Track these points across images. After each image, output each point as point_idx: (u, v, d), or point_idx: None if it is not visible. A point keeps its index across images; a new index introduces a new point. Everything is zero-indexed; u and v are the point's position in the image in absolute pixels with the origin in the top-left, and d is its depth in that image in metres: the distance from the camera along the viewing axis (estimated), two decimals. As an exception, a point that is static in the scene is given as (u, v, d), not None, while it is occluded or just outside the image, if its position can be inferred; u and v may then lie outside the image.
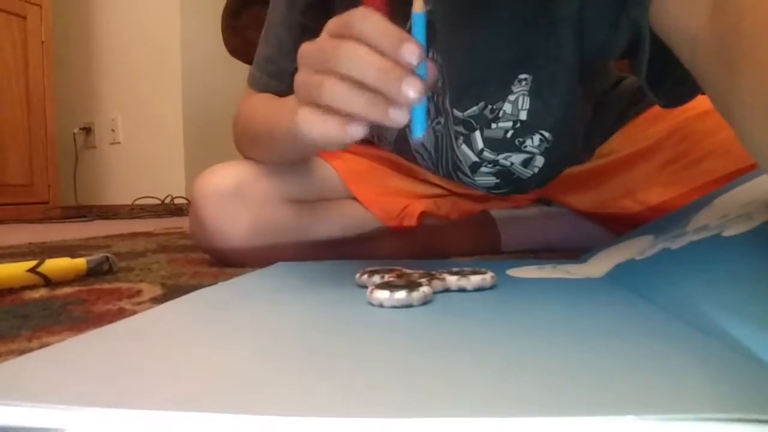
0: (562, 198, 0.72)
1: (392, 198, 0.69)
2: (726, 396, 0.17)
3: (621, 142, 0.67)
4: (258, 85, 0.65)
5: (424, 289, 0.33)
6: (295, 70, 0.39)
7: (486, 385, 0.19)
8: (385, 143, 0.72)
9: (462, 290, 0.37)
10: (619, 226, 0.64)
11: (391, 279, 0.37)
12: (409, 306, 0.32)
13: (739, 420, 0.14)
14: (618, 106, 0.68)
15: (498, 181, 0.62)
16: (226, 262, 0.63)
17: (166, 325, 0.31)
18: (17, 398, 0.18)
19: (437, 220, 0.72)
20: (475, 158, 0.60)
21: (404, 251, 0.70)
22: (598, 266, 0.45)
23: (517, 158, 0.59)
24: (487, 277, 0.37)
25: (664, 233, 0.42)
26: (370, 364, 0.22)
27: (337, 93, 0.33)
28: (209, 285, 0.42)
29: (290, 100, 0.49)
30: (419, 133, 0.34)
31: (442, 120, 0.59)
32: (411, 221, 0.68)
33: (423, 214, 0.69)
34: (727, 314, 0.26)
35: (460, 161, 0.61)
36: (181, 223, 1.66)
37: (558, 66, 0.51)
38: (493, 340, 0.25)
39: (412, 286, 0.34)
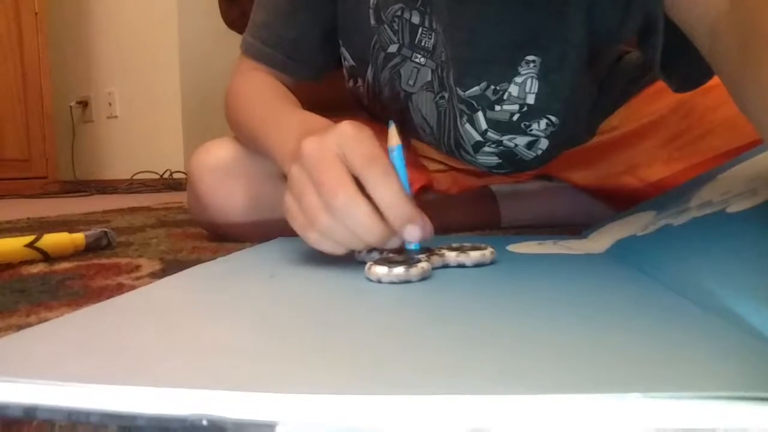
0: (564, 174, 0.71)
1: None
2: (730, 374, 0.17)
3: (623, 119, 0.66)
4: (252, 51, 0.63)
5: (423, 265, 0.33)
6: (294, 38, 0.38)
7: (486, 362, 0.19)
8: (386, 118, 0.71)
9: (461, 266, 0.37)
10: (621, 202, 0.64)
11: (390, 254, 0.37)
12: (407, 282, 0.32)
13: (743, 398, 0.14)
14: (620, 83, 0.67)
15: (500, 161, 0.62)
16: (224, 237, 0.63)
17: (165, 300, 0.30)
18: (16, 374, 0.18)
19: (437, 195, 0.71)
20: (478, 137, 0.59)
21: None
22: (599, 242, 0.45)
23: (521, 140, 0.58)
24: (487, 253, 0.37)
25: (666, 209, 0.42)
26: (368, 341, 0.22)
27: (333, 231, 0.34)
28: (208, 260, 0.42)
29: (287, 127, 0.49)
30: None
31: (446, 95, 0.58)
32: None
33: (422, 189, 0.69)
34: (730, 291, 0.25)
35: (463, 139, 0.60)
36: (180, 197, 1.65)
37: (567, 48, 0.50)
38: (492, 316, 0.25)
39: (410, 261, 0.33)
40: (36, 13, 2.22)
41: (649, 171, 0.63)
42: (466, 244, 0.39)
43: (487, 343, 0.21)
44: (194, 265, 0.40)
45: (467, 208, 0.73)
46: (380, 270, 0.32)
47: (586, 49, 0.51)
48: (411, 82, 0.59)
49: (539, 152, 0.60)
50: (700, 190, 0.42)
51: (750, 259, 0.28)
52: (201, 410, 0.15)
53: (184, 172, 2.23)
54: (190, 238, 0.68)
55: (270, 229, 0.61)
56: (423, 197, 0.69)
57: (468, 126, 0.58)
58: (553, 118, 0.55)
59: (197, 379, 0.17)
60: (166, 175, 2.26)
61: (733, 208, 0.33)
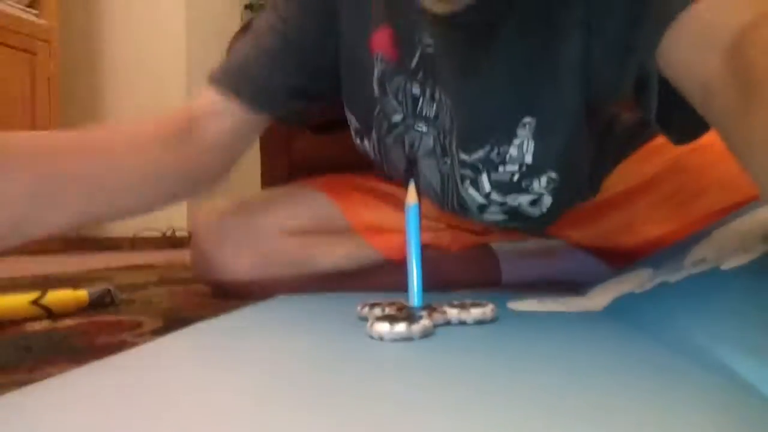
0: (562, 232, 0.72)
1: (394, 232, 0.69)
2: (729, 431, 0.17)
3: (618, 178, 0.68)
4: (220, 80, 0.58)
5: (425, 322, 0.33)
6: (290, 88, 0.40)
7: (487, 421, 0.19)
8: (394, 175, 0.72)
9: (462, 323, 0.37)
10: (618, 259, 0.65)
11: (392, 312, 0.38)
12: (409, 339, 0.32)
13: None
14: (619, 139, 0.69)
15: (506, 217, 0.62)
16: (227, 294, 0.64)
17: (167, 357, 0.31)
18: (19, 430, 0.18)
19: (438, 253, 0.72)
20: (482, 200, 0.59)
21: (406, 283, 0.70)
22: (597, 300, 0.45)
23: (524, 199, 0.59)
24: (488, 311, 0.37)
25: (663, 267, 0.43)
26: (370, 400, 0.22)
27: None
28: (211, 317, 0.42)
29: None
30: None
31: (449, 161, 0.59)
32: (411, 255, 0.69)
33: (424, 248, 0.70)
34: (727, 348, 0.26)
35: (466, 202, 0.61)
36: (182, 255, 1.66)
37: (560, 108, 0.52)
38: (494, 374, 0.25)
39: (412, 319, 0.34)
40: (49, 78, 2.30)
41: (645, 229, 0.64)
42: (467, 301, 0.39)
43: (487, 403, 0.21)
44: (196, 322, 0.40)
45: (467, 266, 0.74)
46: (382, 327, 0.32)
47: (582, 109, 0.52)
48: (415, 149, 0.61)
49: (544, 210, 0.60)
50: (695, 247, 0.42)
51: (745, 316, 0.28)
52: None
53: (186, 231, 2.25)
54: (193, 295, 0.68)
55: (274, 287, 0.62)
56: (424, 254, 0.70)
57: (471, 190, 0.59)
58: (554, 174, 0.56)
59: (200, 433, 0.17)
60: (168, 233, 2.28)
61: (726, 265, 0.34)
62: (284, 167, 1.38)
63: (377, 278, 0.68)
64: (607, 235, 0.67)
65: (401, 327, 0.32)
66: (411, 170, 0.64)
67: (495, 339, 0.33)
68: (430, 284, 0.71)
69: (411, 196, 0.39)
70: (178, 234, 2.27)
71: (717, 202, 0.57)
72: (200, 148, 0.55)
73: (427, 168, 0.61)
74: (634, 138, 0.68)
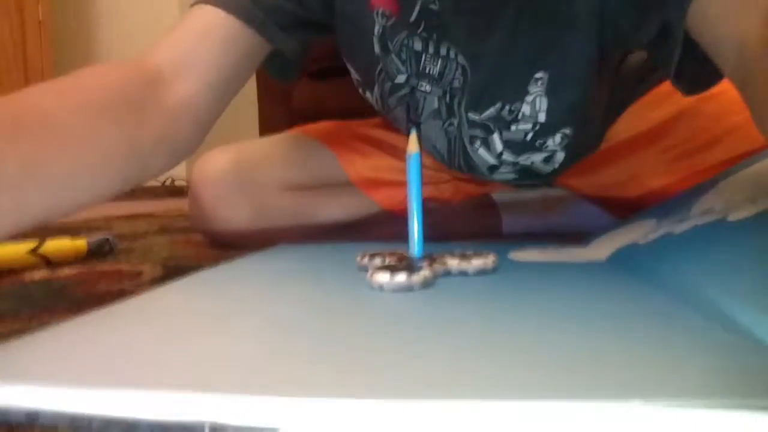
0: (565, 181, 0.71)
1: (394, 184, 0.68)
2: (730, 382, 0.17)
3: (623, 125, 0.66)
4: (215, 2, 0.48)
5: (425, 273, 0.33)
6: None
7: (487, 368, 0.19)
8: (397, 125, 0.70)
9: (463, 273, 0.37)
10: (622, 209, 0.64)
11: (392, 262, 0.37)
12: (409, 289, 0.32)
13: (744, 406, 0.14)
14: (627, 84, 0.66)
15: (516, 176, 0.61)
16: (227, 244, 0.63)
17: (167, 306, 0.30)
18: (18, 378, 0.18)
19: (439, 204, 0.72)
20: (493, 161, 0.57)
21: (406, 235, 0.70)
22: (600, 250, 0.45)
23: (537, 157, 0.57)
24: (489, 261, 0.37)
25: (667, 217, 0.42)
26: (369, 348, 0.22)
27: None
28: (210, 267, 0.42)
29: None
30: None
31: (455, 122, 0.57)
32: (413, 206, 0.68)
33: (425, 200, 0.69)
34: (731, 299, 0.25)
35: (475, 163, 0.59)
36: (182, 204, 1.65)
37: (573, 62, 0.50)
38: (493, 324, 0.25)
39: (412, 269, 0.33)
40: (40, 22, 2.23)
41: (650, 179, 0.63)
42: (468, 252, 0.39)
43: (487, 351, 0.21)
44: (196, 271, 0.40)
45: (469, 217, 0.73)
46: (382, 278, 0.32)
47: (595, 61, 0.50)
48: (419, 112, 0.59)
49: (557, 166, 0.59)
50: (702, 197, 0.42)
51: (750, 268, 0.28)
52: (203, 415, 0.15)
53: (185, 180, 2.24)
54: (192, 245, 0.68)
55: (274, 237, 0.62)
56: (425, 206, 0.69)
57: (482, 150, 0.57)
58: (568, 131, 0.54)
59: (199, 383, 0.17)
60: (167, 182, 2.26)
61: (733, 216, 0.33)
62: (284, 115, 1.35)
63: (378, 230, 0.67)
64: (612, 184, 0.66)
65: (401, 277, 0.32)
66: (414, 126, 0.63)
67: (496, 289, 0.33)
68: (431, 236, 0.71)
69: (412, 145, 0.38)
70: (177, 183, 2.25)
71: (726, 152, 0.56)
72: (169, 111, 0.44)
73: (432, 130, 0.59)
74: (642, 83, 0.66)
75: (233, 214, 0.62)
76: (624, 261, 0.40)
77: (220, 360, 0.20)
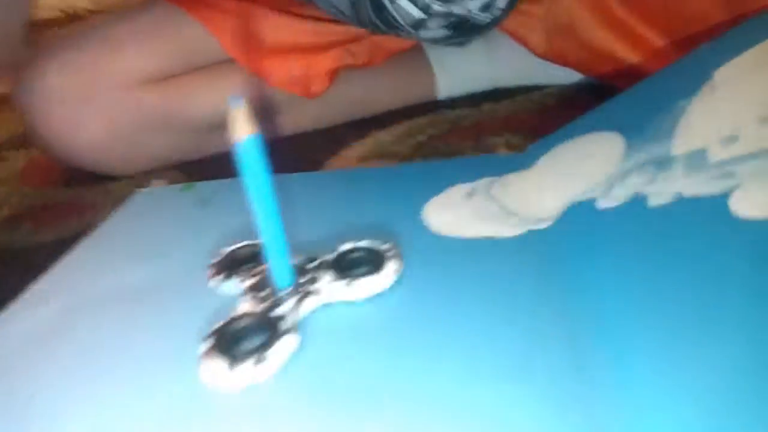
0: (514, 33, 0.56)
1: (290, 55, 0.52)
2: None
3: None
4: None
5: (286, 341, 0.22)
6: None
7: None
8: None
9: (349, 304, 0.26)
10: (591, 66, 0.51)
11: (250, 289, 0.26)
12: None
13: None
14: None
15: (449, 32, 0.47)
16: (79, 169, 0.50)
17: None
18: None
19: (356, 72, 0.56)
20: (419, 15, 0.44)
21: (316, 122, 0.56)
22: (546, 190, 0.34)
23: (474, 4, 0.44)
24: (384, 278, 0.26)
25: (644, 139, 0.30)
26: None
27: None
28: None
29: None
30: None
31: None
32: (321, 84, 0.53)
33: (335, 71, 0.54)
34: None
35: (397, 20, 0.45)
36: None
37: None
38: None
39: (270, 330, 0.23)
40: None
41: (630, 29, 0.48)
42: (360, 254, 0.28)
43: None
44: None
45: (395, 82, 0.59)
46: (219, 369, 0.22)
47: None
48: None
49: (497, 13, 0.45)
50: (688, 110, 0.30)
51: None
52: None
53: None
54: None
55: (139, 153, 0.49)
56: (337, 79, 0.54)
57: (404, 2, 0.43)
58: None
59: None
60: None
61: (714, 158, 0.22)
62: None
63: (277, 119, 0.54)
64: (577, 33, 0.51)
65: (246, 366, 0.21)
66: None
67: (388, 332, 0.23)
68: (351, 116, 0.57)
69: (240, 126, 0.23)
70: None
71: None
72: None
73: None
74: None
75: (74, 131, 0.47)
76: (576, 230, 0.29)
77: None
